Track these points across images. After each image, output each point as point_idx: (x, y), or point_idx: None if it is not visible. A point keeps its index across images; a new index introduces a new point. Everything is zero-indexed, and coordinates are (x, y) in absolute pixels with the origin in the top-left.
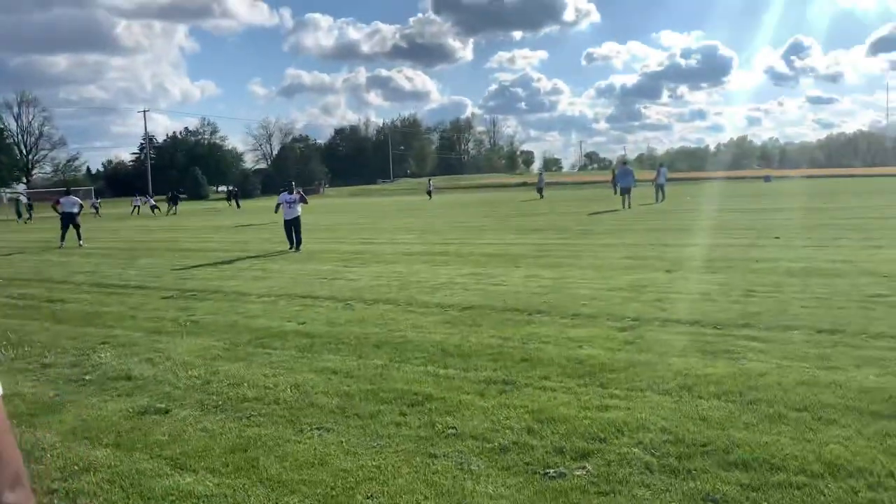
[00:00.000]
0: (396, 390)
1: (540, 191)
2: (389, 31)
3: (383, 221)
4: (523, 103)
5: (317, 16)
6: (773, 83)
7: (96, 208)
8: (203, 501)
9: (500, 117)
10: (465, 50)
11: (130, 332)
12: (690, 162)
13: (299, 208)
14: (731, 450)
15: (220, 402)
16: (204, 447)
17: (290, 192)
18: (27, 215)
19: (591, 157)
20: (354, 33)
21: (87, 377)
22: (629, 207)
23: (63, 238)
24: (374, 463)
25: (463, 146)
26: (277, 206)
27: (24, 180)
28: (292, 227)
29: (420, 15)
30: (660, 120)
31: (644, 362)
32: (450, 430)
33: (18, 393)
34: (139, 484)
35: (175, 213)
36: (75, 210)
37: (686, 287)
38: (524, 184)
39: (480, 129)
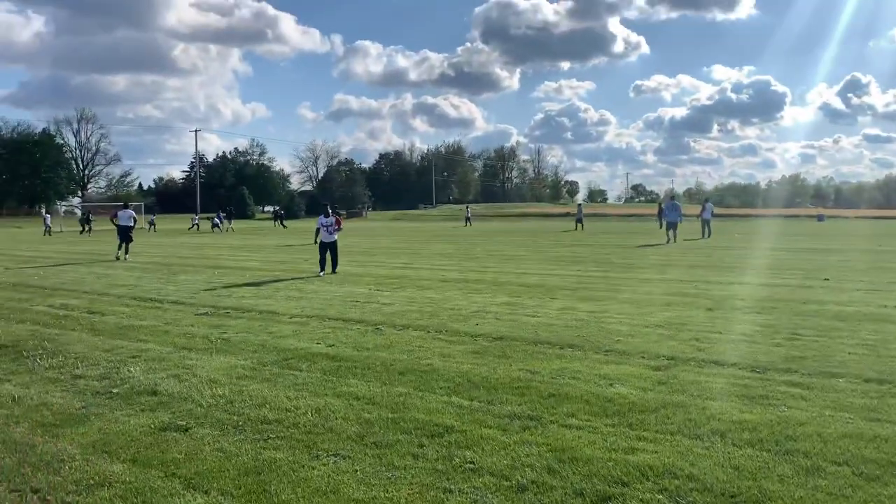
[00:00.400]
0: (417, 420)
1: (579, 221)
2: (437, 60)
3: (422, 246)
4: (569, 133)
5: (367, 43)
6: (829, 120)
7: (152, 223)
8: None
9: (545, 146)
10: (511, 79)
11: (162, 347)
12: (741, 198)
13: (335, 233)
14: (763, 503)
15: (240, 423)
16: (218, 468)
17: (327, 216)
18: (86, 228)
19: (637, 190)
20: (403, 61)
21: (115, 390)
22: (675, 242)
23: (120, 248)
24: (386, 495)
25: (507, 174)
26: (317, 231)
27: (80, 194)
28: (328, 251)
29: (468, 44)
30: (709, 154)
31: (676, 404)
32: (468, 465)
33: (47, 403)
34: (150, 502)
35: (232, 230)
36: (130, 224)
37: (727, 327)
38: (567, 214)
39: (525, 157)
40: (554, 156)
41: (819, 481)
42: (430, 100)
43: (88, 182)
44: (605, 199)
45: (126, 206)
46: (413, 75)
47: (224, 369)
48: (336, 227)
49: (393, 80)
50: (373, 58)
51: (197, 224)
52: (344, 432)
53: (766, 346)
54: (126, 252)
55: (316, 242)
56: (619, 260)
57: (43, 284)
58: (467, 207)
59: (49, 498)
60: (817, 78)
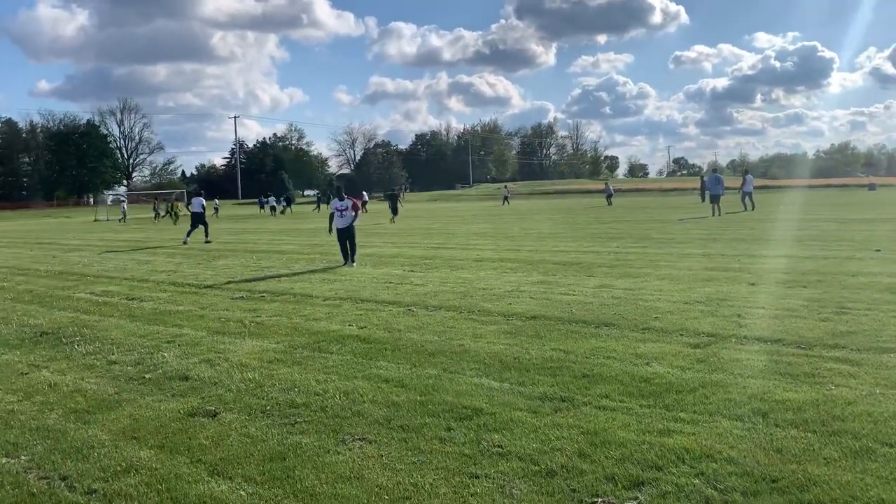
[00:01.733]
0: (446, 403)
1: (608, 198)
2: (472, 38)
3: (458, 226)
4: (608, 108)
5: (400, 24)
6: (880, 86)
7: (216, 209)
8: None
9: (583, 122)
10: (547, 55)
11: (196, 332)
12: (787, 168)
13: (352, 217)
14: (807, 488)
15: (268, 407)
16: (244, 453)
17: (341, 199)
18: (162, 215)
19: (679, 163)
20: (437, 40)
21: (148, 376)
22: (718, 215)
23: (189, 235)
24: (411, 480)
25: (544, 151)
26: (331, 217)
27: (125, 183)
28: (346, 239)
29: (502, 21)
30: (753, 125)
31: (716, 383)
32: (496, 449)
33: (81, 389)
34: (175, 489)
35: (290, 213)
36: (200, 210)
37: (771, 302)
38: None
39: (563, 133)
40: (592, 131)
41: (868, 464)
42: (465, 79)
43: (133, 171)
44: (647, 174)
45: (199, 194)
46: (447, 54)
47: (255, 353)
48: (353, 213)
49: (427, 61)
50: (407, 38)
51: (268, 205)
52: (371, 416)
53: (812, 322)
54: (206, 235)
55: (331, 232)
56: (659, 235)
57: (86, 272)
58: (505, 186)
59: (76, 485)
60: (866, 42)
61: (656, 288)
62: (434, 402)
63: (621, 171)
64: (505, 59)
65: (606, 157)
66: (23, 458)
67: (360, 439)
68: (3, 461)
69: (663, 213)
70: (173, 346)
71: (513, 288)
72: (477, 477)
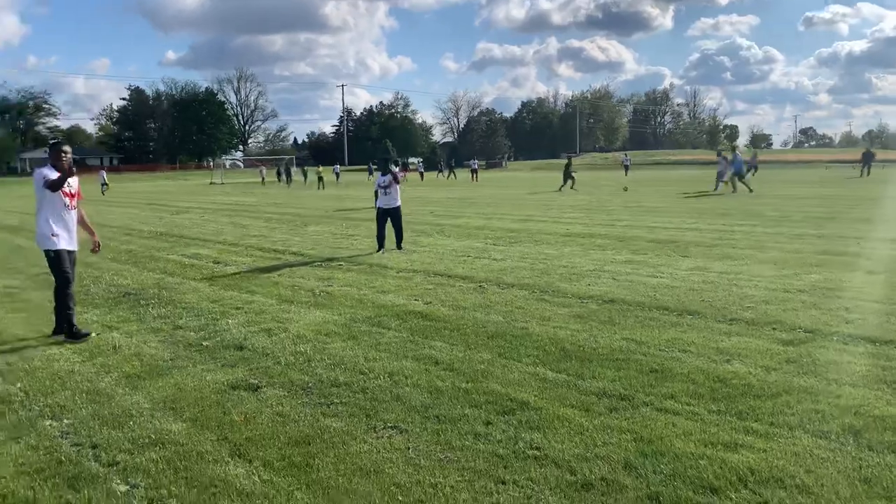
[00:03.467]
0: (491, 392)
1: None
2: (583, 1)
3: (554, 197)
4: (729, 73)
5: None
6: None
7: (337, 174)
8: (241, 500)
9: (701, 88)
10: (664, 17)
11: (266, 299)
12: None
13: (398, 195)
14: None
15: (310, 384)
16: (271, 434)
17: (384, 173)
18: (285, 179)
19: (807, 133)
20: (547, 4)
21: (206, 343)
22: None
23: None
24: (431, 480)
25: (659, 119)
26: (375, 194)
27: (241, 148)
28: (387, 219)
29: None
30: (895, 91)
31: (803, 389)
32: (532, 451)
33: (140, 353)
34: (192, 468)
35: (454, 178)
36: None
37: (889, 295)
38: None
39: (679, 101)
40: (712, 98)
41: None
42: (575, 43)
43: (249, 137)
44: (770, 145)
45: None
46: (557, 18)
47: (315, 325)
48: (397, 187)
49: (537, 25)
50: (516, 2)
51: (450, 171)
52: (410, 401)
53: None
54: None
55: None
56: (773, 212)
57: (184, 234)
58: (625, 155)
59: (102, 455)
60: None
61: (756, 273)
62: (479, 390)
63: (741, 141)
64: (619, 22)
65: (726, 126)
66: (65, 421)
67: (391, 427)
68: (48, 423)
69: (783, 188)
70: (241, 312)
71: (596, 267)
72: (504, 483)
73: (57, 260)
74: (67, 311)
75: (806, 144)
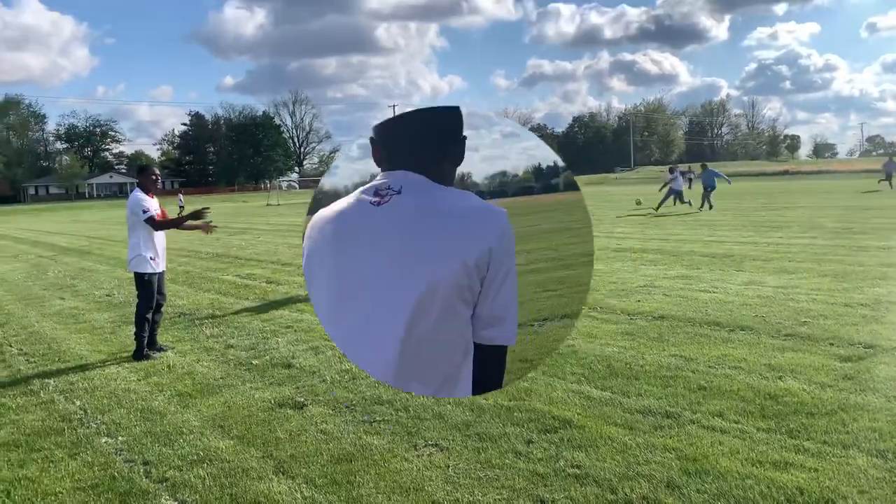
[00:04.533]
0: (534, 410)
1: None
2: (635, 14)
3: (604, 211)
4: (788, 82)
5: (559, 5)
6: None
7: None
8: None
9: (759, 98)
10: (718, 28)
11: (314, 318)
12: None
13: None
14: None
15: (354, 402)
16: (315, 451)
17: None
18: None
19: (874, 142)
20: (597, 18)
21: (255, 361)
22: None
23: None
24: (470, 498)
25: (716, 131)
26: None
27: (297, 170)
28: None
29: None
30: None
31: (860, 406)
32: (573, 470)
33: (192, 372)
34: (238, 484)
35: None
36: None
37: None
38: (786, 172)
39: (737, 111)
40: (771, 108)
41: None
42: (627, 57)
43: (304, 159)
44: (835, 154)
45: None
46: (609, 32)
47: None
48: None
49: (588, 40)
50: (565, 18)
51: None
52: (452, 419)
53: None
54: None
55: None
56: (834, 224)
57: (239, 255)
58: (689, 167)
59: (152, 471)
60: None
61: (814, 286)
62: (521, 408)
63: (804, 151)
64: (672, 34)
65: (786, 136)
66: (120, 438)
67: (432, 445)
68: (103, 440)
69: (846, 199)
70: (290, 331)
71: (647, 283)
72: (543, 501)
73: (150, 283)
74: (143, 334)
75: (874, 153)
